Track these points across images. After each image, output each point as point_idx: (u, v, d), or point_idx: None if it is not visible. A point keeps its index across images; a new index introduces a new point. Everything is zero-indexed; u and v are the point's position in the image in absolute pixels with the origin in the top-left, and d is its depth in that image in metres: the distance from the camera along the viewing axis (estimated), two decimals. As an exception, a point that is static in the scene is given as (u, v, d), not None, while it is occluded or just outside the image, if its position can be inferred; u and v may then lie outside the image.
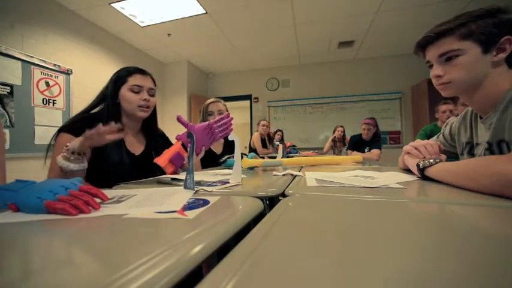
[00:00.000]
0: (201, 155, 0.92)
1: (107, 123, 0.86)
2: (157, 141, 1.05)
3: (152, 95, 0.96)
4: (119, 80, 0.92)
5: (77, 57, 2.80)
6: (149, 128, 1.04)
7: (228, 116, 0.95)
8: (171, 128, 1.43)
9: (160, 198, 0.48)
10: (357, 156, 1.52)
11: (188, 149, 0.86)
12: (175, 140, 0.84)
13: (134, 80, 0.92)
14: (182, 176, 0.72)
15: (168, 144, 1.08)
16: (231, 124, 0.95)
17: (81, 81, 2.78)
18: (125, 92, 0.91)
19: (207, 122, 0.89)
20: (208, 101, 1.57)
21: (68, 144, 0.72)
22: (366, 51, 4.06)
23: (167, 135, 1.14)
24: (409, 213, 0.40)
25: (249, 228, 0.32)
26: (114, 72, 0.95)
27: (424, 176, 0.66)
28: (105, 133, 0.71)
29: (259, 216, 0.40)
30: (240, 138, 0.76)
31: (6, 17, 2.16)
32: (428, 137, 0.98)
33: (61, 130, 0.82)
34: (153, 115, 1.03)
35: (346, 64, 4.49)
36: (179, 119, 0.84)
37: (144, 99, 0.92)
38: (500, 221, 0.35)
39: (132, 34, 3.32)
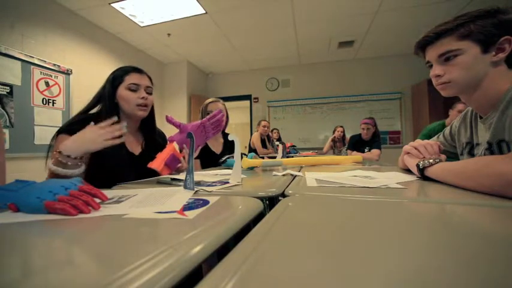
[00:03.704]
0: (196, 154, 0.93)
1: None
2: (155, 140, 1.04)
3: (149, 93, 0.96)
4: (115, 79, 0.92)
5: (77, 57, 2.80)
6: (147, 127, 1.03)
7: (220, 113, 0.95)
8: (170, 128, 1.42)
9: (160, 198, 0.48)
10: (356, 156, 1.52)
11: (183, 150, 0.86)
12: (168, 142, 0.84)
13: (131, 79, 0.91)
14: (182, 176, 0.72)
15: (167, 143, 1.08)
16: (222, 121, 0.95)
17: (81, 81, 2.78)
18: (122, 91, 0.91)
19: (199, 121, 0.89)
20: (208, 100, 1.57)
21: (60, 150, 0.67)
22: (365, 51, 4.06)
23: (167, 135, 1.14)
24: (409, 213, 0.40)
25: (248, 228, 0.32)
26: (112, 72, 0.95)
27: (424, 176, 0.66)
28: (103, 136, 0.70)
29: (259, 216, 0.40)
30: (240, 138, 0.76)
31: (6, 17, 2.16)
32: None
33: (60, 132, 0.82)
34: (151, 114, 1.02)
35: (346, 64, 4.49)
36: (169, 120, 0.83)
37: (142, 98, 0.92)
38: (500, 221, 0.35)
39: (132, 34, 3.32)
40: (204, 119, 0.90)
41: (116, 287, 0.18)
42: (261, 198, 0.48)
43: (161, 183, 0.72)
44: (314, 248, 0.25)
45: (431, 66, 0.72)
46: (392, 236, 0.29)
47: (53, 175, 0.70)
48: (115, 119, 0.77)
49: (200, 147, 0.92)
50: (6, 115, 2.14)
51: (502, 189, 0.44)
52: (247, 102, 5.04)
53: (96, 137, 0.70)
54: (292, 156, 2.26)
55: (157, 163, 0.75)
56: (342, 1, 2.68)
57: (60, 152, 0.67)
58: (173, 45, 3.70)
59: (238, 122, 6.72)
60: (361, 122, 2.75)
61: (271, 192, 0.53)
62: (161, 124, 1.10)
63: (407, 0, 2.67)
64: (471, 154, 0.78)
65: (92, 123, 0.72)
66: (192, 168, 0.56)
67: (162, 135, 1.12)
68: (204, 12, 2.82)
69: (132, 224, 0.35)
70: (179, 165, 0.85)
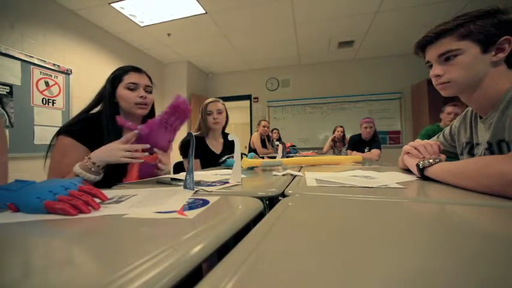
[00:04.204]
0: (171, 150, 0.93)
1: (106, 124, 0.87)
2: None
3: (149, 92, 0.96)
4: (115, 79, 0.92)
5: (77, 57, 2.80)
6: None
7: (180, 99, 0.83)
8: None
9: (160, 198, 0.48)
10: (356, 156, 1.52)
11: (156, 152, 0.85)
12: None
13: (130, 78, 0.92)
14: (182, 176, 0.72)
15: None
16: (187, 109, 0.85)
17: (80, 81, 2.78)
18: (121, 90, 0.91)
19: (158, 117, 0.83)
20: (207, 100, 1.57)
21: (90, 156, 0.73)
22: (365, 51, 4.06)
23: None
24: (408, 213, 0.40)
25: (248, 228, 0.32)
26: (113, 72, 0.96)
27: (423, 176, 0.66)
28: (123, 155, 0.75)
29: (259, 216, 0.40)
30: (239, 138, 0.76)
31: (6, 17, 2.16)
32: (429, 137, 0.98)
33: (60, 133, 0.82)
34: (152, 113, 1.02)
35: (346, 64, 4.49)
36: (119, 121, 0.83)
37: (141, 97, 0.92)
38: (500, 221, 0.35)
39: (132, 34, 3.32)
40: (164, 115, 0.82)
41: (115, 287, 0.18)
42: (261, 198, 0.48)
43: (161, 183, 0.72)
44: (314, 248, 0.25)
45: (431, 66, 0.72)
46: (392, 236, 0.29)
47: (56, 176, 0.73)
48: (136, 132, 0.80)
49: (172, 143, 0.91)
50: (6, 115, 2.13)
51: (502, 189, 0.44)
52: (247, 102, 5.04)
53: (116, 152, 0.75)
54: (292, 156, 2.26)
55: (131, 178, 0.77)
56: (342, 1, 2.68)
57: (89, 158, 0.73)
58: (173, 45, 3.70)
59: (238, 122, 6.72)
60: (363, 121, 2.75)
61: (271, 192, 0.53)
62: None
63: (407, 0, 2.67)
64: (471, 154, 0.78)
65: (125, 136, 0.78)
66: (192, 168, 0.56)
67: None
68: (204, 12, 2.82)
69: (132, 224, 0.35)
70: (159, 165, 0.85)
